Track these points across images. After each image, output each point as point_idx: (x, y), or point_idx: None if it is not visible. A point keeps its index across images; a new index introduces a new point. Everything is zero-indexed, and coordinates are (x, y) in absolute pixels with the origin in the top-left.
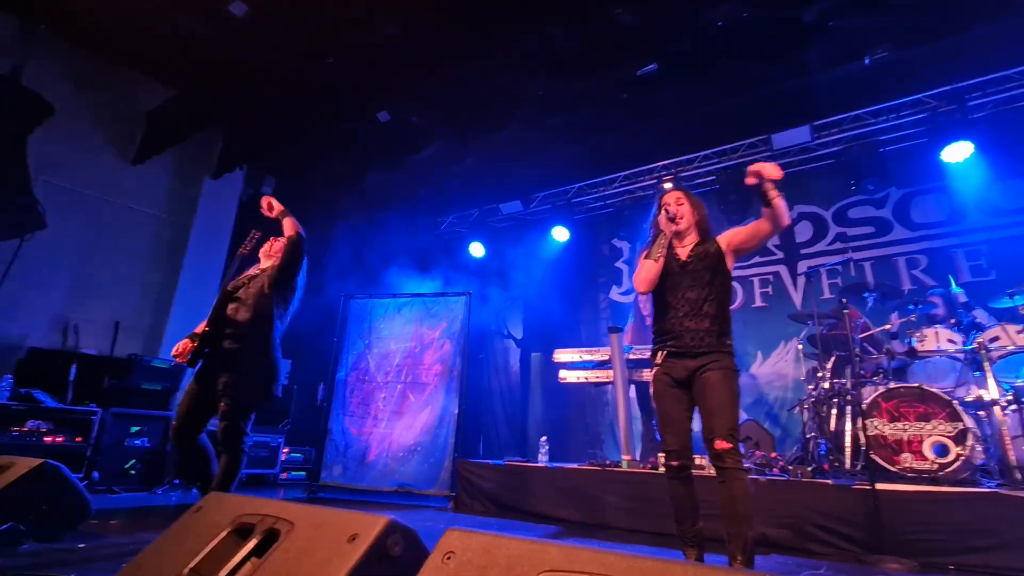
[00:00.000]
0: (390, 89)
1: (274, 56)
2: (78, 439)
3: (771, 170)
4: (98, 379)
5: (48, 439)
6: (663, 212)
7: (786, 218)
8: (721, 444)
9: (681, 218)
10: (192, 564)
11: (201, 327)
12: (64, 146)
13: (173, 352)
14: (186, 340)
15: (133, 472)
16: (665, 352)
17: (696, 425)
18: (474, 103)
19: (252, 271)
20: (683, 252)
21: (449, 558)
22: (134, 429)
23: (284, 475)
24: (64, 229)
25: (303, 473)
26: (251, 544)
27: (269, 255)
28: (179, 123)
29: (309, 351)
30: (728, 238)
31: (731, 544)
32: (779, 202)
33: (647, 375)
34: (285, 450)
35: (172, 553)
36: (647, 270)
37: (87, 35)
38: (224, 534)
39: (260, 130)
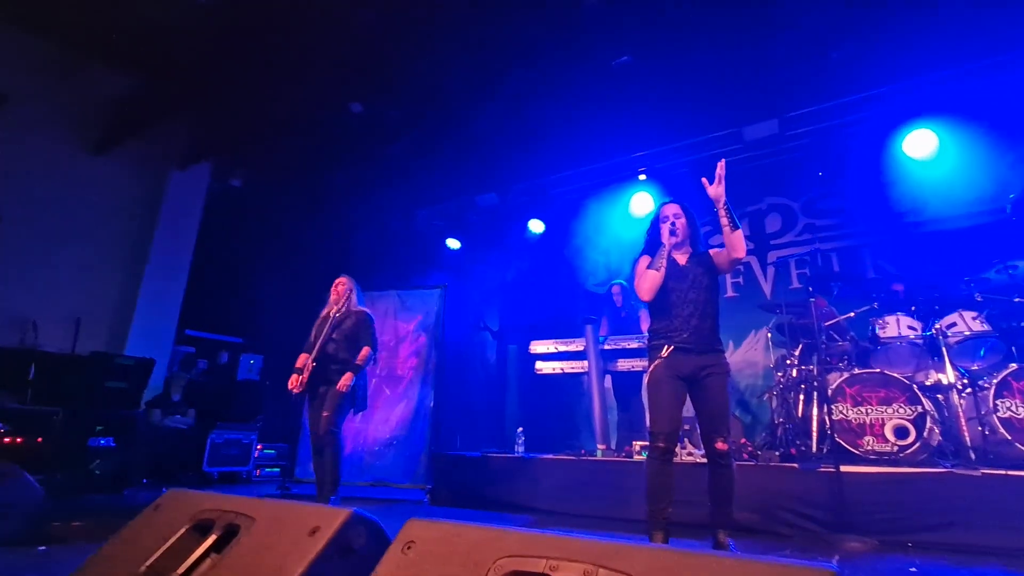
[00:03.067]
0: (363, 80)
1: (241, 44)
2: (39, 440)
3: (712, 189)
4: (59, 378)
5: (7, 440)
6: (666, 227)
7: (737, 251)
8: (721, 445)
9: (679, 230)
10: (149, 562)
11: (302, 362)
12: (19, 135)
13: (289, 386)
14: (294, 376)
15: (98, 473)
16: (673, 347)
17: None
18: (448, 94)
19: (334, 314)
20: (682, 259)
21: (409, 548)
22: (98, 429)
23: (257, 472)
24: (21, 222)
25: (277, 469)
26: (210, 540)
27: (337, 299)
28: (141, 113)
29: (282, 347)
30: (714, 255)
31: (716, 518)
32: (727, 231)
33: (622, 365)
34: (258, 446)
35: (128, 551)
36: (650, 279)
37: (42, 21)
38: (183, 531)
39: (228, 121)
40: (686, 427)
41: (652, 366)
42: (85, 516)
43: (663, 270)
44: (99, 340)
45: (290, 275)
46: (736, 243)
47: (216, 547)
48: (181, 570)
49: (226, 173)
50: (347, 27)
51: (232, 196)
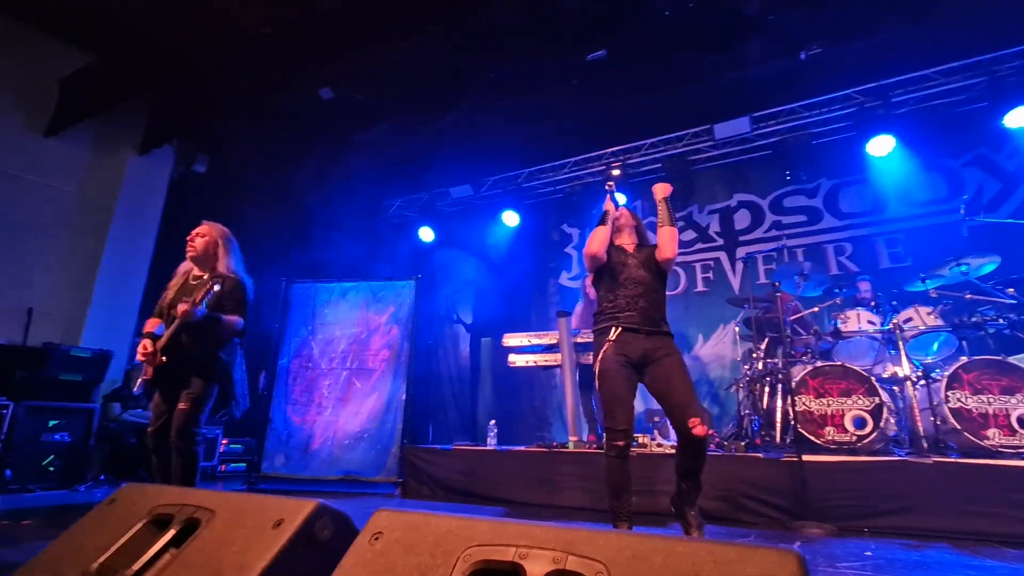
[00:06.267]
0: (333, 65)
1: (206, 23)
2: None
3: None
4: (9, 370)
5: None
6: (612, 193)
7: (665, 251)
8: (700, 430)
9: (620, 212)
10: (102, 559)
11: (152, 326)
12: None
13: (139, 357)
14: (147, 343)
15: (52, 469)
16: (620, 328)
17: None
18: (423, 83)
19: (194, 278)
20: (629, 246)
21: (377, 539)
22: (52, 423)
23: (223, 467)
24: None
25: (243, 464)
26: (169, 535)
27: (195, 254)
28: (99, 92)
29: (249, 338)
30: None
31: (685, 495)
32: (661, 228)
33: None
34: (223, 441)
35: (79, 548)
36: (599, 233)
37: None
38: (139, 526)
39: (192, 103)
40: (656, 419)
41: (601, 353)
42: (36, 514)
43: (610, 226)
44: (53, 331)
45: (258, 265)
46: (662, 242)
47: (175, 542)
48: (137, 566)
49: (190, 158)
50: (317, 10)
51: (196, 182)
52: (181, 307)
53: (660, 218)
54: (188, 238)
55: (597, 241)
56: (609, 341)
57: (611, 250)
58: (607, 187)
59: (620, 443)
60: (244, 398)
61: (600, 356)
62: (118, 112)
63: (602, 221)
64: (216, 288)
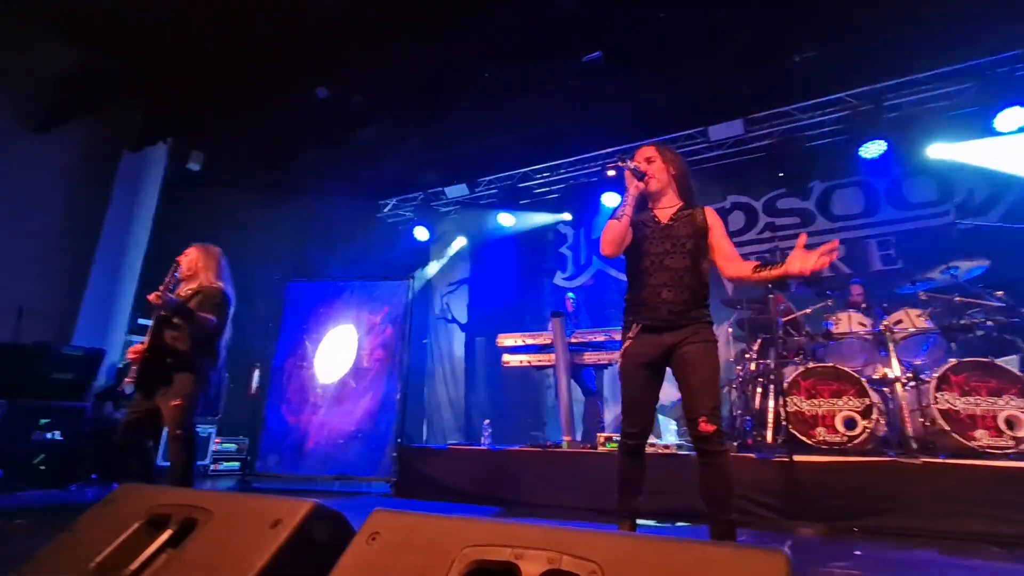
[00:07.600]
0: (329, 64)
1: (202, 20)
2: None
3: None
4: (0, 369)
5: None
6: (629, 168)
7: (744, 282)
8: (706, 427)
9: (651, 177)
10: (99, 559)
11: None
12: None
13: (129, 356)
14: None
15: (43, 468)
16: (640, 327)
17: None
18: (419, 83)
19: (185, 293)
20: (663, 214)
21: (374, 539)
22: (43, 422)
23: (215, 466)
24: None
25: (236, 464)
26: (166, 535)
27: (186, 275)
28: (92, 89)
29: (243, 338)
30: (713, 223)
31: (716, 528)
32: (765, 274)
33: (588, 358)
34: (217, 440)
35: (77, 548)
36: (610, 231)
37: None
38: (136, 526)
39: (187, 100)
40: None
41: (622, 350)
42: (29, 513)
43: (626, 220)
44: (45, 329)
45: (252, 264)
46: (756, 281)
47: (172, 542)
48: (134, 566)
49: (184, 156)
50: (314, 9)
51: (191, 180)
52: (152, 296)
53: (776, 273)
54: (176, 259)
55: (607, 242)
56: (629, 339)
57: (639, 223)
58: (621, 164)
59: (630, 443)
60: (217, 401)
61: (621, 354)
62: (112, 109)
63: (616, 211)
64: (176, 275)
